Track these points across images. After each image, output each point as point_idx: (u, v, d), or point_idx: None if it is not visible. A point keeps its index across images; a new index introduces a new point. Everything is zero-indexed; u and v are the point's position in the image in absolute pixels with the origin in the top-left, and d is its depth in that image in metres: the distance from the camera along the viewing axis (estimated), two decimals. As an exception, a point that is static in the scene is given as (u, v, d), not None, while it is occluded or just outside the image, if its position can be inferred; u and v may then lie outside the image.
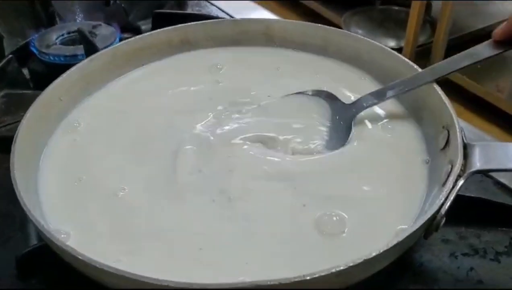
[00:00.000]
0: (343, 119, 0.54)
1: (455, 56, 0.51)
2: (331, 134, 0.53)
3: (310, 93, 0.57)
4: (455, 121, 0.46)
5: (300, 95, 0.57)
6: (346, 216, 0.44)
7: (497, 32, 0.49)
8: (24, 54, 0.76)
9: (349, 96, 0.57)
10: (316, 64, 0.62)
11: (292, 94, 0.57)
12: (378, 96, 0.54)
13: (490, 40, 0.50)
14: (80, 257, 0.36)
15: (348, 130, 0.53)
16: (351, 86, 0.59)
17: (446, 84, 0.52)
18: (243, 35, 0.65)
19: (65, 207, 0.47)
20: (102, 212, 0.46)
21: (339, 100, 0.55)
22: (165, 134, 0.53)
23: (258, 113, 0.55)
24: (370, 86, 0.57)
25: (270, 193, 0.47)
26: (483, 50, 0.50)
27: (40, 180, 0.49)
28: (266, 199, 0.46)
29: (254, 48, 0.65)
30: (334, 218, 0.44)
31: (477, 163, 0.42)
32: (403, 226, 0.43)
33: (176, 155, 0.50)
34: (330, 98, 0.56)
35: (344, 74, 0.61)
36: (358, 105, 0.54)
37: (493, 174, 0.55)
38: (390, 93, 0.53)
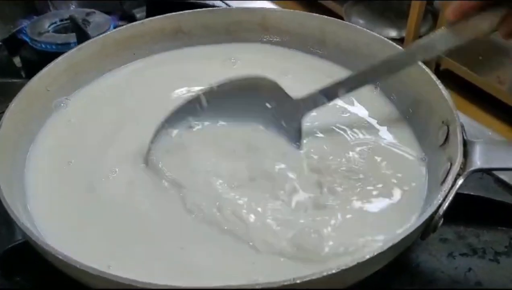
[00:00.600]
0: (290, 116, 0.50)
1: (409, 49, 0.47)
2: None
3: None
4: (456, 117, 0.44)
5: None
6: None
7: (449, 11, 0.42)
8: (16, 42, 0.74)
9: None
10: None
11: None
12: (328, 95, 0.49)
13: (442, 28, 0.44)
14: (60, 257, 0.35)
15: (298, 131, 0.49)
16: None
17: (445, 75, 0.50)
18: (238, 25, 0.63)
19: (50, 201, 0.45)
20: (85, 207, 0.45)
21: (286, 94, 0.50)
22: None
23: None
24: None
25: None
26: (439, 41, 0.44)
27: (26, 173, 0.48)
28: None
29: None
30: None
31: (478, 162, 0.41)
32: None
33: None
34: (273, 89, 0.50)
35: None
36: (306, 103, 0.49)
37: (494, 171, 0.53)
38: (341, 91, 0.49)
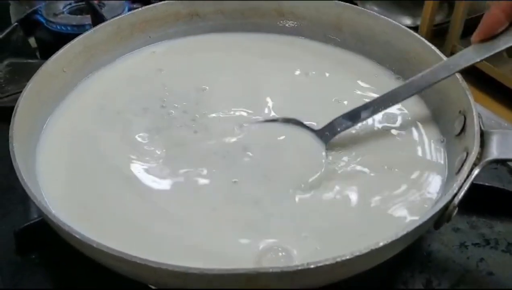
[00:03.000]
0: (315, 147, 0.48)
1: (436, 67, 0.47)
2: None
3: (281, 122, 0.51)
4: (473, 106, 0.44)
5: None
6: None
7: (475, 36, 0.45)
8: (31, 23, 0.75)
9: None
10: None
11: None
12: (352, 118, 0.48)
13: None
14: (76, 236, 0.35)
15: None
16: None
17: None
18: (254, 10, 0.62)
19: (65, 182, 0.46)
20: (98, 186, 0.45)
21: (308, 128, 0.49)
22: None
23: None
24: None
25: None
26: (464, 57, 0.46)
27: (41, 154, 0.48)
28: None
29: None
30: None
31: (494, 152, 0.40)
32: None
33: None
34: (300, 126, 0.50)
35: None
36: (330, 130, 0.48)
37: (509, 162, 0.53)
38: (364, 114, 0.48)
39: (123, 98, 0.54)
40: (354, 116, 0.48)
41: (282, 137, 0.49)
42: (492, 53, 0.44)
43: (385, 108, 0.48)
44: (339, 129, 0.48)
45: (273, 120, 0.51)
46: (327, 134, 0.48)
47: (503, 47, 0.44)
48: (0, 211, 0.49)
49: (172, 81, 0.56)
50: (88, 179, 0.46)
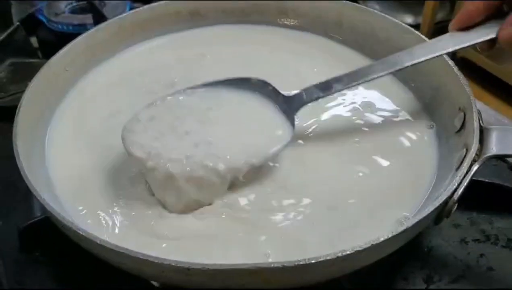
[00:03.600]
0: (283, 111, 0.48)
1: (413, 49, 0.47)
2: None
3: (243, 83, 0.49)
4: (473, 103, 0.44)
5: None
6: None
7: (452, 24, 0.45)
8: (33, 22, 0.75)
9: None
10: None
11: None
12: (324, 89, 0.48)
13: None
14: (80, 232, 0.35)
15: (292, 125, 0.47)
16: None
17: (462, 63, 0.50)
18: (255, 8, 0.63)
19: (69, 179, 0.46)
20: (108, 186, 0.45)
21: (277, 91, 0.48)
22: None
23: None
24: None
25: None
26: (441, 44, 0.46)
27: (47, 150, 0.48)
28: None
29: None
30: None
31: (494, 148, 0.41)
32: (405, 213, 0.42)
33: None
34: (265, 88, 0.48)
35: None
36: (300, 99, 0.48)
37: (508, 158, 0.53)
38: (337, 86, 0.47)
39: (126, 92, 0.55)
40: (326, 87, 0.48)
41: (250, 102, 0.48)
42: (466, 44, 0.44)
43: (358, 83, 0.48)
44: (309, 99, 0.48)
45: (246, 79, 0.49)
46: (297, 102, 0.48)
47: (477, 40, 0.44)
48: (4, 209, 0.50)
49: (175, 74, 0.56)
50: (92, 176, 0.46)
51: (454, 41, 0.45)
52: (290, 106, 0.47)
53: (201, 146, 0.43)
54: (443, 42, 0.46)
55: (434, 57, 0.46)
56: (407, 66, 0.47)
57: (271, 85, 0.48)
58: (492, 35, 0.43)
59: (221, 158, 0.43)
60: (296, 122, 0.47)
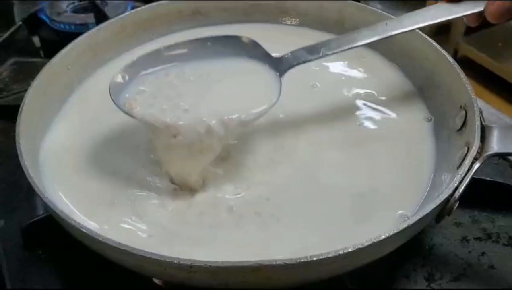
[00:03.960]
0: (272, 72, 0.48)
1: (402, 17, 0.48)
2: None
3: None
4: (474, 102, 0.44)
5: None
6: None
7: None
8: (35, 22, 0.75)
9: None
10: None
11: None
12: (311, 52, 0.48)
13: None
14: (83, 230, 0.36)
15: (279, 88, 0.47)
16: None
17: (463, 61, 0.50)
18: (256, 7, 0.63)
19: (72, 177, 0.46)
20: (108, 185, 0.45)
21: (266, 52, 0.48)
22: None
23: None
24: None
25: None
26: (429, 13, 0.47)
27: (47, 151, 0.49)
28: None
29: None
30: None
31: (495, 146, 0.41)
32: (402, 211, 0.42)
33: None
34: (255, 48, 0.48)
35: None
36: (287, 61, 0.48)
37: (510, 157, 0.53)
38: (324, 51, 0.48)
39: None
40: (314, 50, 0.48)
41: (239, 64, 0.49)
42: (454, 16, 0.46)
43: (346, 48, 0.48)
44: (297, 61, 0.48)
45: (236, 37, 0.49)
46: (284, 64, 0.48)
47: (465, 13, 0.45)
48: (7, 207, 0.50)
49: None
50: (95, 174, 0.46)
51: (443, 12, 0.46)
52: (278, 67, 0.48)
53: (193, 107, 0.44)
54: (432, 12, 0.47)
55: (423, 26, 0.47)
56: (396, 34, 0.48)
57: (261, 47, 0.48)
58: (480, 9, 0.44)
59: (212, 115, 0.43)
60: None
